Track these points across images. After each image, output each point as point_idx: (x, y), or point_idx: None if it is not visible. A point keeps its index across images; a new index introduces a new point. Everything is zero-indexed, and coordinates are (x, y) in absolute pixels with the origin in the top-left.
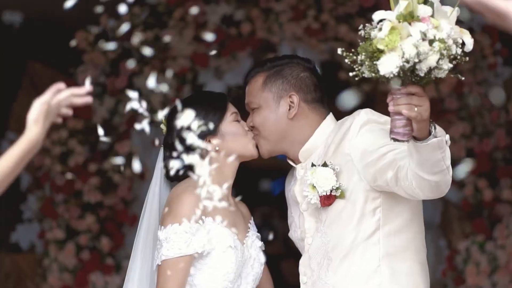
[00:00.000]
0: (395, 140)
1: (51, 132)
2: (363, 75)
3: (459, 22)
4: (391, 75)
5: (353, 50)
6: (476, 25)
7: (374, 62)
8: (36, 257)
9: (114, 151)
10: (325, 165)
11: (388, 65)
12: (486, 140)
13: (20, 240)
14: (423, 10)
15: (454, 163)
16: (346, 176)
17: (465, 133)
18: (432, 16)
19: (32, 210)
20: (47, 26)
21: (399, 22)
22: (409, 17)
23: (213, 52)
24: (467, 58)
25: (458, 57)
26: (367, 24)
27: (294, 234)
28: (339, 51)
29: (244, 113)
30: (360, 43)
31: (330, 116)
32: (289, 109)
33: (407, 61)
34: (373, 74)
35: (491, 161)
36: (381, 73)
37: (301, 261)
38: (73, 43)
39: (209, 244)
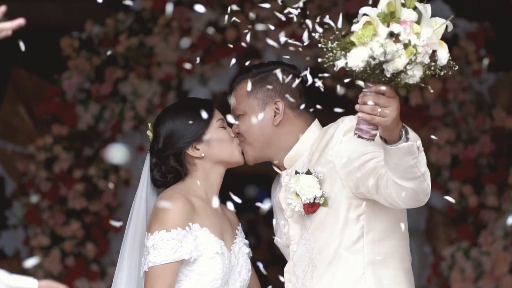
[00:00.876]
0: (359, 136)
1: (36, 138)
2: (330, 63)
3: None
4: (358, 69)
5: (331, 38)
6: (461, 31)
7: (343, 53)
8: (21, 264)
9: (99, 158)
10: (308, 172)
11: (356, 59)
12: (471, 147)
13: (5, 246)
14: (407, 14)
15: (440, 169)
16: (329, 183)
17: (450, 139)
18: (418, 23)
19: (17, 217)
20: (32, 33)
21: (379, 19)
22: (390, 16)
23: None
24: (442, 72)
25: (432, 68)
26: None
27: (279, 241)
28: (316, 36)
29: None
30: (337, 32)
31: (315, 123)
32: (275, 116)
33: (373, 58)
34: (340, 65)
35: (476, 167)
36: (349, 65)
37: (286, 268)
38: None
39: (196, 250)
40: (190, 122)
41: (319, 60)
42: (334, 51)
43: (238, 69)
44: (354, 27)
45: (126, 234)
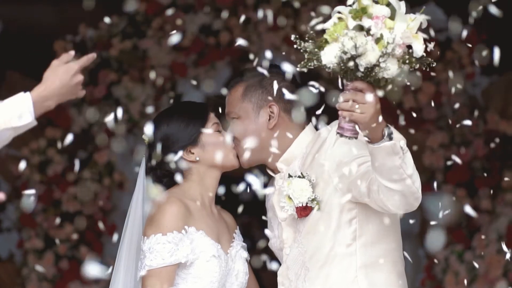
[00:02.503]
0: (341, 135)
1: (30, 141)
2: (310, 64)
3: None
4: (332, 65)
5: (306, 37)
6: (454, 35)
7: (316, 50)
8: (15, 267)
9: (93, 161)
10: (301, 176)
11: (329, 55)
12: (465, 150)
13: None
14: (379, 10)
15: (434, 172)
16: (322, 187)
17: (444, 142)
18: (392, 19)
19: (11, 220)
20: (25, 36)
21: (351, 16)
22: (361, 12)
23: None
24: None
25: (407, 61)
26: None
27: (273, 244)
28: (292, 37)
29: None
30: (311, 31)
31: (309, 126)
32: (269, 119)
33: (345, 53)
34: (316, 62)
35: (469, 170)
36: (323, 62)
37: (279, 271)
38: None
39: (193, 253)
40: (185, 126)
41: (298, 66)
42: (308, 49)
43: (231, 72)
44: (326, 25)
45: (122, 238)
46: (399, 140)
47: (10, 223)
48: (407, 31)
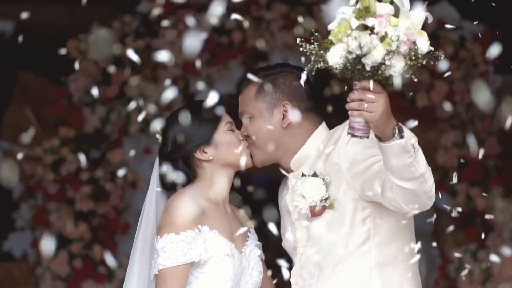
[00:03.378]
0: (352, 135)
1: (43, 141)
2: (317, 66)
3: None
4: (338, 66)
5: (311, 39)
6: (467, 34)
7: (322, 52)
8: (29, 266)
9: (106, 160)
10: (315, 175)
11: (334, 56)
12: (478, 149)
13: (13, 248)
14: (382, 8)
15: (447, 171)
16: (335, 186)
17: (457, 141)
18: (396, 16)
19: (25, 219)
20: (38, 36)
21: (355, 16)
22: (365, 11)
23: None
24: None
25: (413, 57)
26: None
27: (287, 244)
28: (298, 40)
29: (238, 122)
30: (316, 34)
31: (323, 125)
32: (283, 119)
33: (350, 53)
34: (323, 64)
35: (483, 169)
36: (329, 63)
37: (292, 271)
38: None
39: (206, 252)
40: (198, 125)
41: (306, 69)
42: (314, 52)
43: (244, 71)
44: (330, 26)
45: (136, 237)
46: (410, 138)
47: (24, 223)
48: (411, 27)
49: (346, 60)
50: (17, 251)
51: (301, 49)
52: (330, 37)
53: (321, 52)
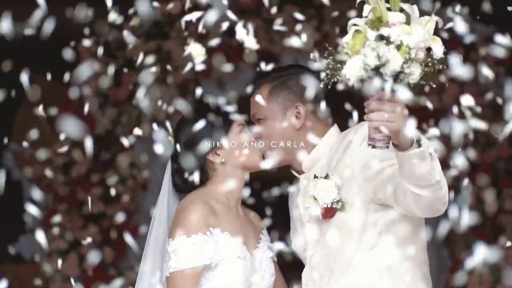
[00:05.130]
0: (373, 146)
1: (54, 143)
2: (333, 80)
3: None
4: (355, 78)
5: (325, 54)
6: (478, 36)
7: (338, 65)
8: (38, 268)
9: (117, 162)
10: (327, 177)
11: (352, 68)
12: (488, 151)
13: (23, 250)
14: (394, 17)
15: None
16: (347, 188)
17: (468, 144)
18: (408, 24)
19: (35, 221)
20: (48, 38)
21: (368, 26)
22: (377, 22)
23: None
24: (441, 67)
25: (430, 64)
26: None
27: (297, 245)
28: (311, 56)
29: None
30: (330, 48)
31: (335, 127)
32: (296, 120)
33: (368, 64)
34: (341, 79)
35: (493, 171)
36: (347, 76)
37: (303, 273)
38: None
39: (217, 255)
40: (210, 127)
41: (322, 84)
42: (330, 66)
43: (254, 73)
44: (344, 39)
45: (148, 239)
46: (428, 146)
47: (34, 225)
48: (425, 33)
49: (364, 71)
50: (27, 253)
51: (315, 64)
52: (345, 50)
53: (338, 65)
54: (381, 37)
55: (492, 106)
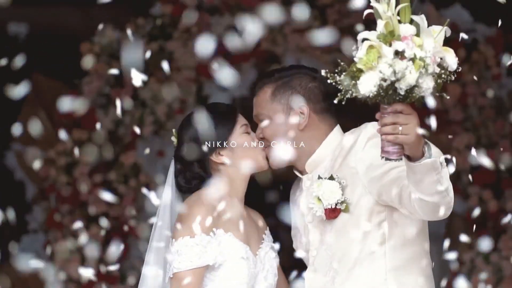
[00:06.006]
0: (387, 159)
1: (56, 143)
2: (347, 96)
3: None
4: (371, 94)
5: (336, 70)
6: (480, 36)
7: (354, 82)
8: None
9: (119, 162)
10: (331, 178)
11: (367, 84)
12: (490, 151)
13: (26, 251)
14: (405, 30)
15: (460, 174)
16: (351, 189)
17: (470, 144)
18: (418, 35)
19: (38, 221)
20: (52, 38)
21: (380, 41)
22: (390, 36)
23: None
24: (453, 77)
25: (443, 75)
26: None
27: (299, 246)
28: (323, 72)
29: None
30: (342, 63)
31: (337, 128)
32: (300, 120)
33: (384, 80)
34: (355, 94)
35: (496, 172)
36: (361, 92)
37: (306, 274)
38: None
39: (221, 256)
40: (214, 128)
41: (336, 100)
42: (345, 83)
43: (257, 74)
44: (358, 54)
45: (151, 240)
46: (438, 156)
47: (37, 225)
48: (436, 45)
49: (379, 87)
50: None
51: (329, 81)
52: (358, 65)
53: (353, 82)
54: (395, 52)
55: (494, 106)
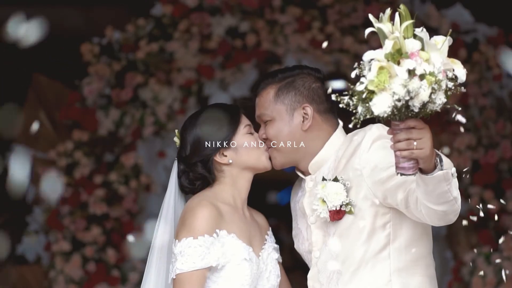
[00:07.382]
0: (402, 174)
1: (57, 144)
2: (362, 118)
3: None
4: (385, 114)
5: (346, 93)
6: (481, 36)
7: (367, 104)
8: (42, 269)
9: (120, 163)
10: (336, 179)
11: (381, 106)
12: (491, 152)
13: (26, 252)
14: (411, 45)
15: (459, 174)
16: (355, 191)
17: (471, 144)
18: (423, 49)
19: (38, 222)
20: (52, 39)
21: (388, 61)
22: (397, 55)
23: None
24: (463, 88)
25: (453, 88)
26: (361, 62)
27: (301, 247)
28: (333, 97)
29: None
30: (351, 86)
31: (340, 129)
32: (303, 121)
33: (399, 100)
34: (369, 116)
35: (496, 172)
36: (375, 113)
37: (309, 275)
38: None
39: (224, 257)
40: (218, 128)
41: (351, 124)
42: (359, 110)
43: (258, 74)
44: (368, 76)
45: (153, 240)
46: (450, 167)
47: (37, 226)
48: (446, 58)
49: (393, 107)
50: (30, 255)
51: (340, 105)
52: (369, 87)
53: (367, 105)
54: (408, 72)
55: (496, 106)
